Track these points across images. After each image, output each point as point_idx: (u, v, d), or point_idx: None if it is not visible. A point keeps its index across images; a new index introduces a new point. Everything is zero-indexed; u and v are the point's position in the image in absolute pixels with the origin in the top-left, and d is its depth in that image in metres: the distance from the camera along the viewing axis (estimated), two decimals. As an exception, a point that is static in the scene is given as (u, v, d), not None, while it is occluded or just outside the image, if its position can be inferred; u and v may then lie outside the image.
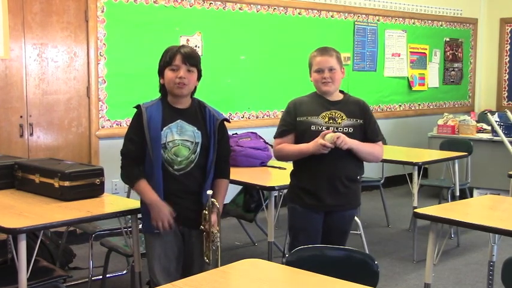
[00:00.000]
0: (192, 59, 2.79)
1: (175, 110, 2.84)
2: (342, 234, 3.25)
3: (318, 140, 3.03)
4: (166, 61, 2.79)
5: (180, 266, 2.89)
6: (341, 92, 3.27)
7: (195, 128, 2.82)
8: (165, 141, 2.79)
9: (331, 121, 3.12)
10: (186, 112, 2.85)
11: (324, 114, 3.14)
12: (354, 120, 3.15)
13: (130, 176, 2.85)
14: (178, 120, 2.82)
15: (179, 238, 2.86)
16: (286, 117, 3.24)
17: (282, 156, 3.33)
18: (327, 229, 3.22)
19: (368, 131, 3.19)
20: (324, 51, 3.19)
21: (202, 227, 2.74)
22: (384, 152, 3.31)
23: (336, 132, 3.07)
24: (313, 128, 3.12)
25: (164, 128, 2.80)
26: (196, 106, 2.88)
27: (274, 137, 3.28)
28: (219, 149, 2.86)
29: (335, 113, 3.14)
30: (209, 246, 2.72)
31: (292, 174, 3.31)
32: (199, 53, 5.67)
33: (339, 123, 3.12)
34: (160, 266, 2.83)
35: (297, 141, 3.18)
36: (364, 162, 3.28)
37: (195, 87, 2.89)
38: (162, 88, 2.88)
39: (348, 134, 3.08)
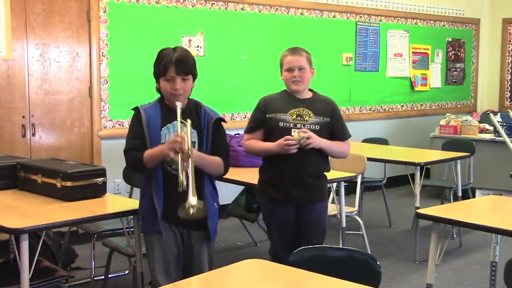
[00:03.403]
0: (186, 68, 2.76)
1: (172, 110, 2.82)
2: (314, 227, 3.33)
3: (282, 141, 3.13)
4: (160, 71, 2.76)
5: (180, 267, 2.88)
6: (310, 90, 3.38)
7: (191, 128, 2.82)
8: (164, 141, 2.78)
9: (298, 118, 3.24)
10: (182, 112, 2.82)
11: (292, 111, 3.25)
12: (321, 118, 3.26)
13: (135, 159, 2.77)
14: (175, 121, 2.80)
15: (178, 239, 2.86)
16: (255, 113, 3.37)
17: (250, 152, 3.46)
18: (301, 224, 3.31)
19: (337, 130, 3.31)
20: (294, 51, 3.32)
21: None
22: (350, 148, 3.42)
23: (302, 129, 3.17)
24: (281, 124, 3.23)
25: (163, 129, 2.81)
26: (192, 106, 2.88)
27: (244, 132, 3.42)
28: (216, 145, 2.85)
29: (303, 110, 3.25)
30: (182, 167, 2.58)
31: (260, 170, 3.42)
32: (202, 53, 5.68)
33: (306, 120, 3.23)
34: (160, 267, 2.84)
35: (266, 137, 3.30)
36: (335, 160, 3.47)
37: (191, 88, 2.87)
38: (160, 90, 2.87)
39: (315, 132, 3.20)
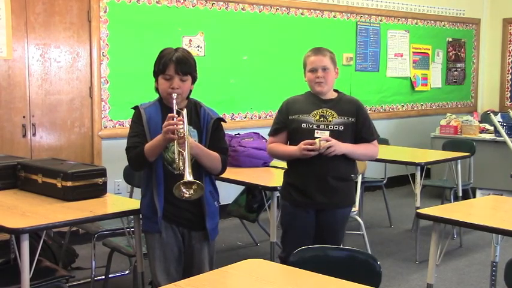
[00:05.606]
0: (185, 68, 2.76)
1: (172, 109, 2.82)
2: (334, 233, 3.26)
3: (301, 146, 3.09)
4: (159, 69, 2.77)
5: (181, 267, 2.89)
6: (335, 91, 3.31)
7: (191, 127, 2.82)
8: None
9: (322, 119, 3.17)
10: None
11: (315, 112, 3.18)
12: (346, 118, 3.18)
13: (136, 155, 2.76)
14: None
15: (179, 239, 2.86)
16: (278, 115, 3.32)
17: (273, 156, 3.45)
18: (319, 227, 3.24)
19: (363, 130, 3.22)
20: (317, 51, 3.24)
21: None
22: (378, 150, 3.34)
23: (325, 130, 3.13)
24: (303, 126, 3.17)
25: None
26: (192, 106, 2.88)
27: (268, 135, 3.37)
28: (214, 144, 2.84)
29: (326, 111, 3.18)
30: (179, 153, 2.60)
31: (285, 173, 3.37)
32: (202, 54, 5.68)
33: (330, 121, 3.16)
34: (161, 266, 2.84)
35: (290, 139, 3.26)
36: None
37: (190, 90, 2.87)
38: (158, 90, 2.87)
39: (339, 133, 3.13)
